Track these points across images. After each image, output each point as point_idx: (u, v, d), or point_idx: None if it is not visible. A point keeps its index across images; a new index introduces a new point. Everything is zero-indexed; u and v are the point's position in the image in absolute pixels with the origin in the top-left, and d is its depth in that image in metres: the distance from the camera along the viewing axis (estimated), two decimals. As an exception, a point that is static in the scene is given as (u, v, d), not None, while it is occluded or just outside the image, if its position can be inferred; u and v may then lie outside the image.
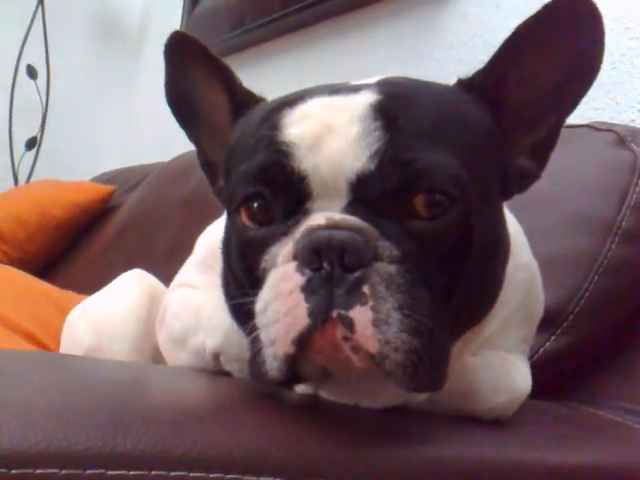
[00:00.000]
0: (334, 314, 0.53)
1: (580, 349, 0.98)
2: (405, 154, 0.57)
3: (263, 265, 0.59)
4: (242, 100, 0.72)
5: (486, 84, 0.67)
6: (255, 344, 0.57)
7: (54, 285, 1.68)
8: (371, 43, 1.91)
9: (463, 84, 0.67)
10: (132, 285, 1.02)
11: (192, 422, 0.51)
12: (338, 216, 0.57)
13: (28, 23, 2.96)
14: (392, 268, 0.55)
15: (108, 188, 2.28)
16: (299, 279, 0.55)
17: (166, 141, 2.09)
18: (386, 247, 0.56)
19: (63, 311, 1.10)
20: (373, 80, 0.66)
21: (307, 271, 0.55)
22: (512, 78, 0.67)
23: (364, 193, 0.57)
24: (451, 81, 0.69)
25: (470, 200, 0.59)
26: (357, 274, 0.54)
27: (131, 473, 0.45)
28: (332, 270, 0.54)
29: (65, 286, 1.73)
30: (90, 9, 3.19)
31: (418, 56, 1.77)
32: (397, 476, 0.55)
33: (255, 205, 0.61)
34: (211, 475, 0.47)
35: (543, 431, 0.76)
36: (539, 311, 0.82)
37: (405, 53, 1.80)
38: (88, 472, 0.44)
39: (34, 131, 3.03)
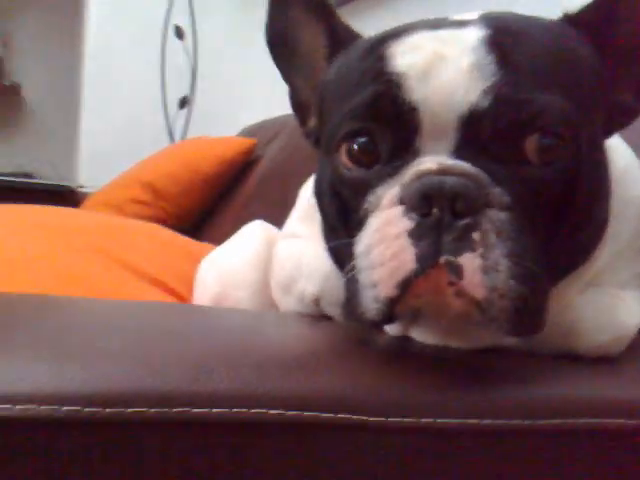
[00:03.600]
0: (442, 260, 0.53)
1: None
2: (520, 93, 0.56)
3: (365, 206, 0.59)
4: (341, 36, 0.71)
5: (594, 20, 0.64)
6: (352, 285, 0.58)
7: (204, 239, 1.77)
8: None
9: (570, 20, 0.64)
10: (253, 235, 1.07)
11: (274, 366, 0.54)
12: (450, 161, 0.56)
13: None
14: (503, 215, 0.54)
15: (250, 141, 2.33)
16: (407, 223, 0.55)
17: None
18: (497, 194, 0.55)
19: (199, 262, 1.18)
20: (474, 15, 0.64)
21: (415, 216, 0.55)
22: (620, 14, 0.63)
23: (475, 132, 0.56)
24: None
25: (580, 145, 0.58)
26: (467, 221, 0.54)
27: (213, 411, 0.49)
28: (442, 216, 0.54)
29: (214, 239, 1.83)
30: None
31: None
32: (480, 415, 0.55)
33: (357, 145, 0.60)
34: (289, 413, 0.51)
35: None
36: (655, 245, 0.78)
37: None
38: (174, 410, 0.49)
39: (185, 90, 3.17)
